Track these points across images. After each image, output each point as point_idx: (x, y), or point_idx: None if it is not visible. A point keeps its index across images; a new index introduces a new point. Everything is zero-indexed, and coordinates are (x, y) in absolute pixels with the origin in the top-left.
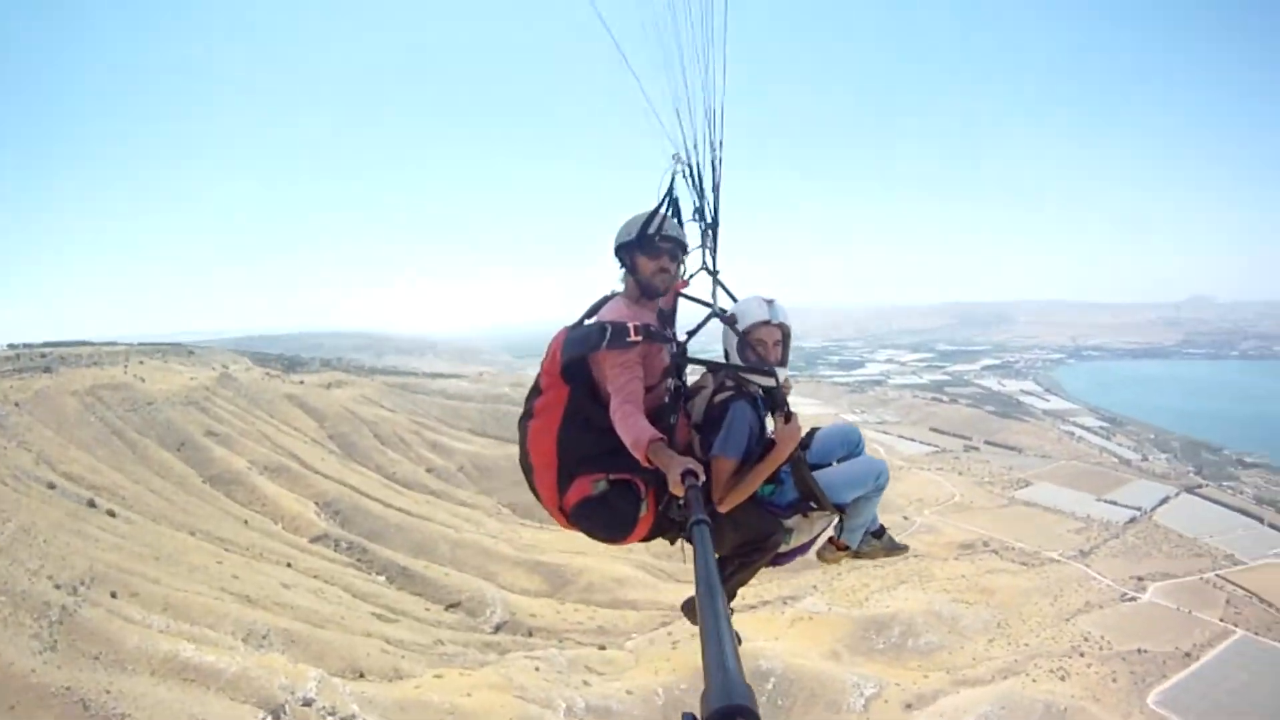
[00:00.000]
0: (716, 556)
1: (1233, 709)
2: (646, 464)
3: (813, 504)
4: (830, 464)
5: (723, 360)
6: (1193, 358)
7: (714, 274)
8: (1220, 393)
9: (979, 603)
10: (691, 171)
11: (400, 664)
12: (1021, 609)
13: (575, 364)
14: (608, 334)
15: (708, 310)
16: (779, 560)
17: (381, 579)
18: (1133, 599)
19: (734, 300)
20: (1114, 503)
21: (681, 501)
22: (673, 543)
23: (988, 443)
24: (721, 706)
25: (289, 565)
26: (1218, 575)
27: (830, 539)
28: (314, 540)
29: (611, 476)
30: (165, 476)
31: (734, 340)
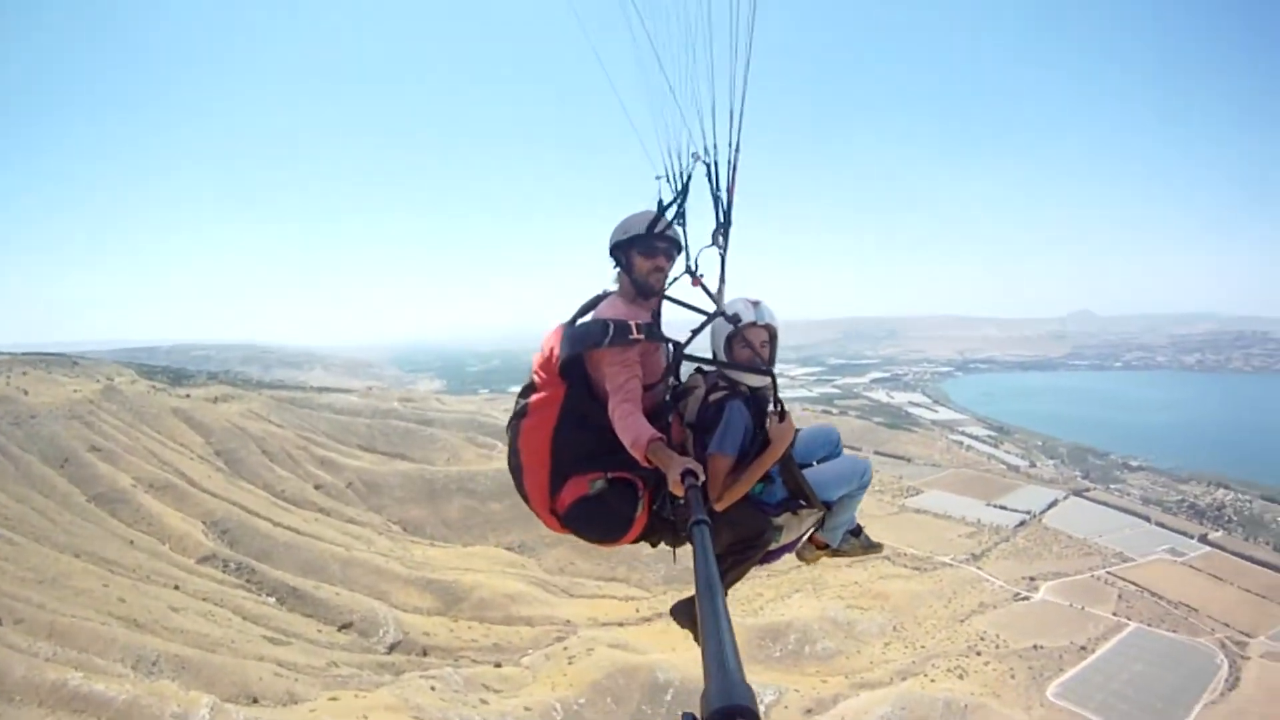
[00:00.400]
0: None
1: (1132, 698)
2: (645, 463)
3: (802, 502)
4: (811, 464)
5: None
6: (1078, 369)
7: (696, 275)
8: (1105, 401)
9: (873, 608)
10: (711, 170)
11: (294, 688)
12: (916, 612)
13: (574, 361)
14: (610, 330)
15: (701, 311)
16: (767, 558)
17: (272, 600)
18: (1026, 598)
19: (714, 303)
20: (1004, 507)
21: (680, 501)
22: (655, 545)
23: (878, 453)
24: (721, 706)
25: (177, 587)
26: (1108, 572)
27: (810, 538)
28: (202, 561)
29: (610, 475)
30: (48, 495)
31: (723, 341)
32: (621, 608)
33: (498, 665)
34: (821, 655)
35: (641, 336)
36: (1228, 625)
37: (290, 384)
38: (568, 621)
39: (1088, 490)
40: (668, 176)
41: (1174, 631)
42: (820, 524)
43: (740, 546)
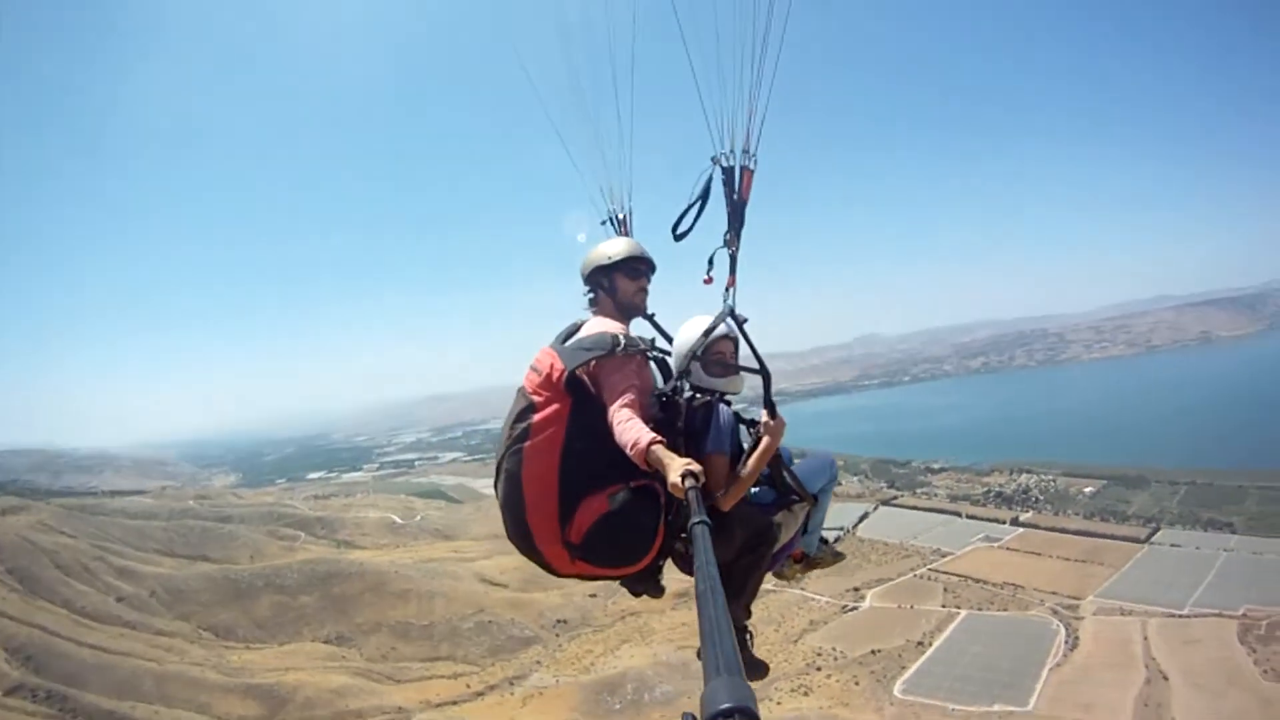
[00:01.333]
0: (726, 560)
1: (977, 677)
2: (645, 467)
3: (794, 496)
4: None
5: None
6: (868, 388)
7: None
8: (898, 414)
9: None
10: (730, 176)
11: None
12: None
13: (581, 371)
14: (622, 341)
15: (669, 337)
16: (772, 563)
17: None
18: (854, 608)
19: (666, 336)
20: None
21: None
22: (656, 594)
23: None
24: (722, 707)
25: None
26: (929, 569)
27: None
28: (9, 693)
29: (633, 484)
30: None
31: (688, 357)
32: (452, 686)
33: None
34: (663, 700)
35: (646, 348)
36: (1055, 593)
37: (80, 490)
38: (400, 709)
39: (896, 498)
40: (611, 221)
41: (1004, 610)
42: (804, 526)
43: (754, 543)
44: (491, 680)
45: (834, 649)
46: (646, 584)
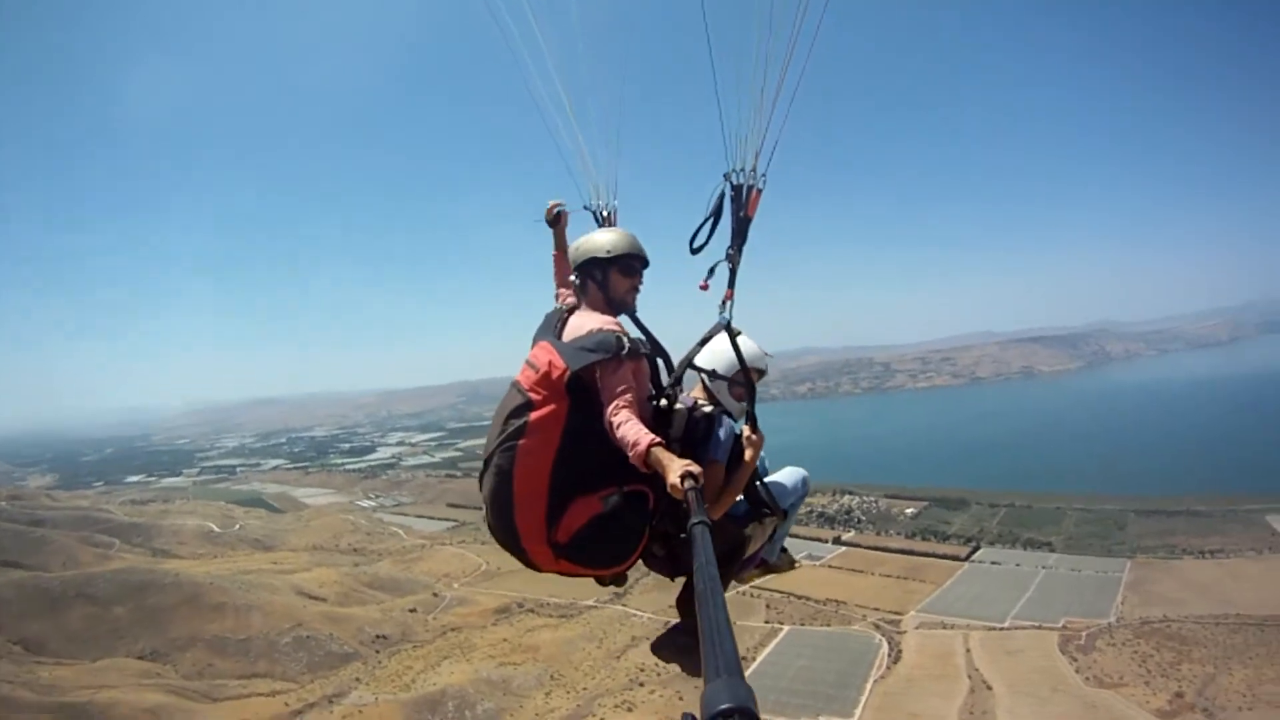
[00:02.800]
0: (689, 575)
1: (802, 690)
2: (644, 468)
3: (765, 510)
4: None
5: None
6: None
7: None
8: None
9: (526, 661)
10: (739, 193)
11: None
12: (571, 658)
13: (583, 372)
14: (626, 344)
15: (654, 338)
16: (739, 570)
17: None
18: (676, 624)
19: (650, 338)
20: None
21: (682, 504)
22: (619, 583)
23: None
24: (722, 707)
25: None
26: (752, 587)
27: None
28: None
29: (626, 488)
30: None
31: (729, 369)
32: (269, 704)
33: None
34: (484, 717)
35: (647, 352)
36: (877, 609)
37: None
38: None
39: None
40: (595, 215)
41: (827, 625)
42: (770, 537)
43: (727, 554)
44: (310, 698)
45: (657, 664)
46: (615, 577)
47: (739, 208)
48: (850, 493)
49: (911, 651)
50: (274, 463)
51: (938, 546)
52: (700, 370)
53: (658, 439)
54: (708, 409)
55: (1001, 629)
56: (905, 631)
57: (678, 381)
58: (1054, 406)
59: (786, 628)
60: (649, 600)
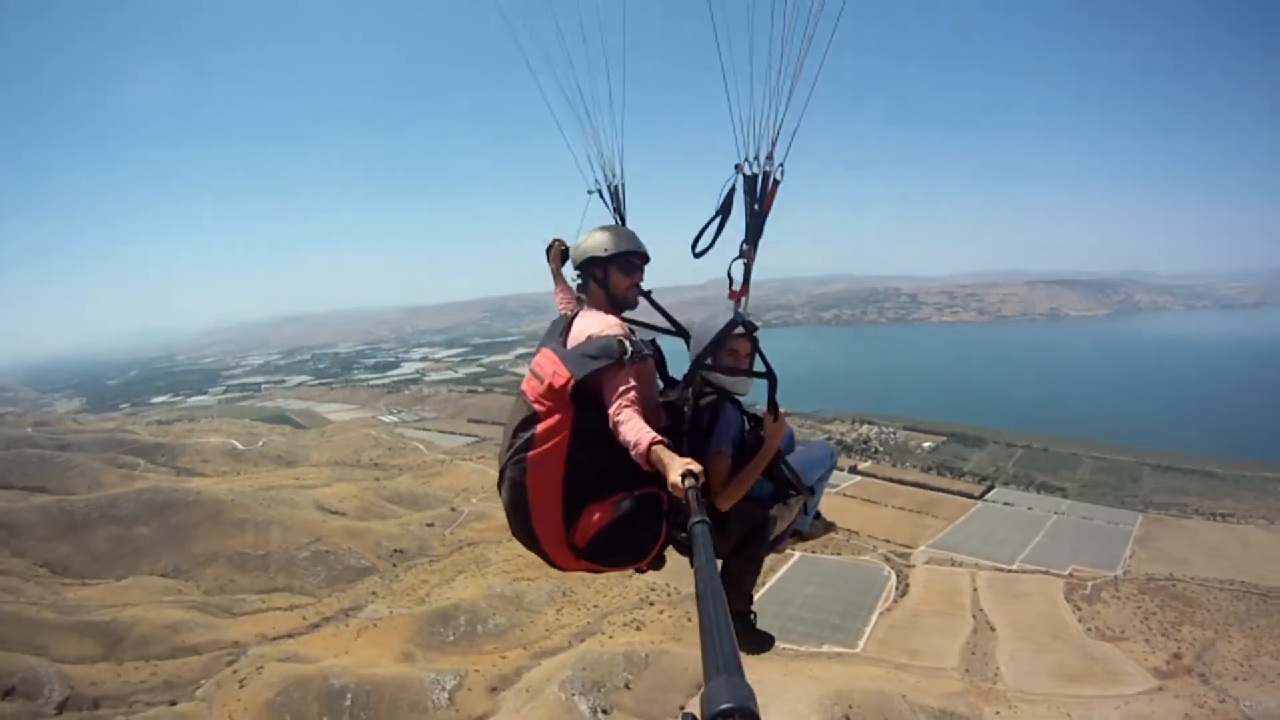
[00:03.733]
0: (723, 555)
1: (809, 618)
2: (646, 467)
3: (790, 490)
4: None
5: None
6: None
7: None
8: None
9: (540, 577)
10: (753, 185)
11: None
12: (583, 574)
13: (587, 380)
14: (630, 349)
15: (657, 329)
16: (769, 547)
17: None
18: None
19: (670, 320)
20: None
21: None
22: (658, 567)
23: None
24: (722, 707)
25: None
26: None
27: None
28: None
29: (637, 493)
30: None
31: (701, 356)
32: (287, 618)
33: (173, 704)
34: (495, 632)
35: (651, 355)
36: (889, 541)
37: None
38: (236, 643)
39: None
40: (600, 193)
41: (838, 555)
42: (801, 508)
43: (750, 538)
44: (327, 612)
45: (668, 585)
46: (651, 564)
47: (753, 200)
48: (869, 422)
49: (919, 586)
50: (298, 379)
51: (953, 483)
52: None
53: (659, 437)
54: (712, 397)
55: (1009, 570)
56: (914, 565)
57: (689, 383)
58: (1078, 351)
59: (797, 554)
60: None
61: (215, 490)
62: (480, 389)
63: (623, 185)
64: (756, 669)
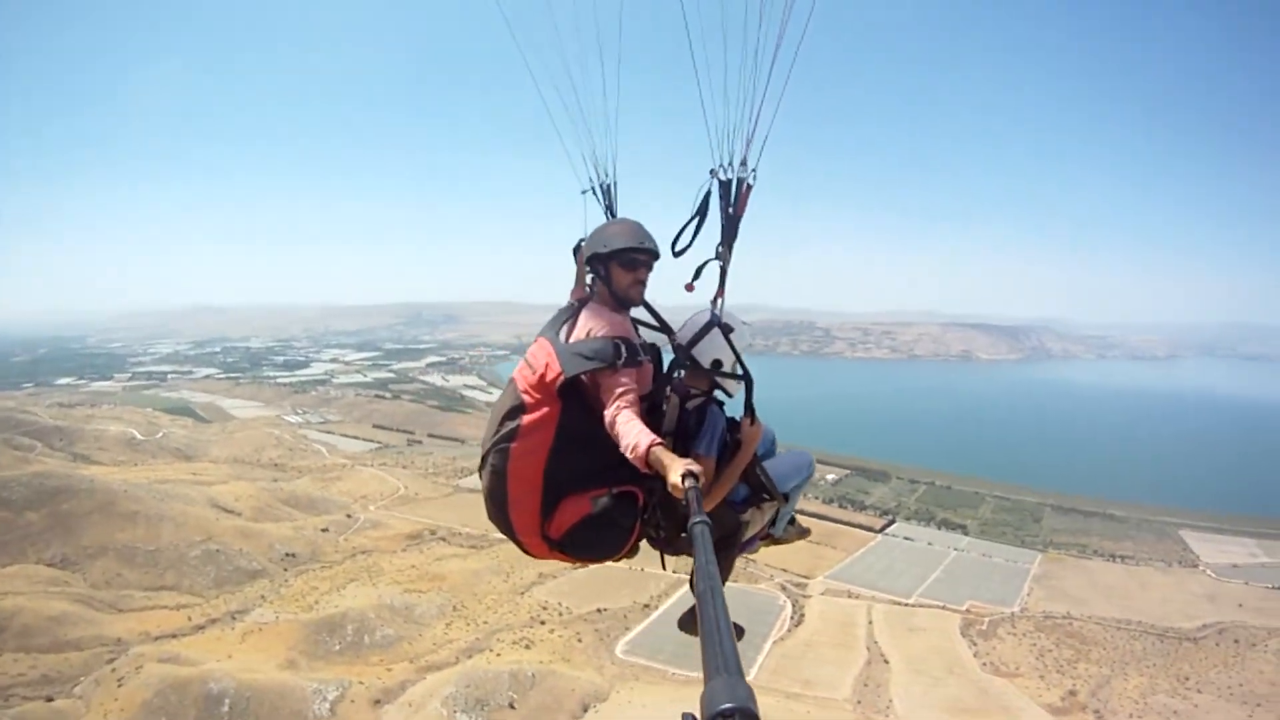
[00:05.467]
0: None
1: (699, 644)
2: (645, 468)
3: (765, 496)
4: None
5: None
6: None
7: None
8: None
9: (431, 590)
10: (727, 190)
11: None
12: (475, 589)
13: (577, 378)
14: (624, 352)
15: (654, 328)
16: (740, 550)
17: None
18: (584, 565)
19: (658, 319)
20: None
21: (681, 505)
22: (631, 555)
23: (431, 435)
24: (722, 707)
25: None
26: None
27: None
28: None
29: (615, 490)
30: None
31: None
32: (173, 618)
33: (49, 699)
34: (382, 643)
35: (646, 359)
36: (785, 570)
37: None
38: (119, 640)
39: None
40: (593, 190)
41: (734, 581)
42: (772, 519)
43: (722, 544)
44: (214, 613)
45: (560, 604)
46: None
47: (727, 204)
48: None
49: (814, 616)
50: (206, 371)
51: (854, 515)
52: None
53: (658, 439)
54: (700, 399)
55: (906, 605)
56: (811, 596)
57: (670, 380)
58: (987, 393)
59: None
60: None
61: (110, 480)
62: (388, 395)
63: (614, 183)
64: (646, 694)
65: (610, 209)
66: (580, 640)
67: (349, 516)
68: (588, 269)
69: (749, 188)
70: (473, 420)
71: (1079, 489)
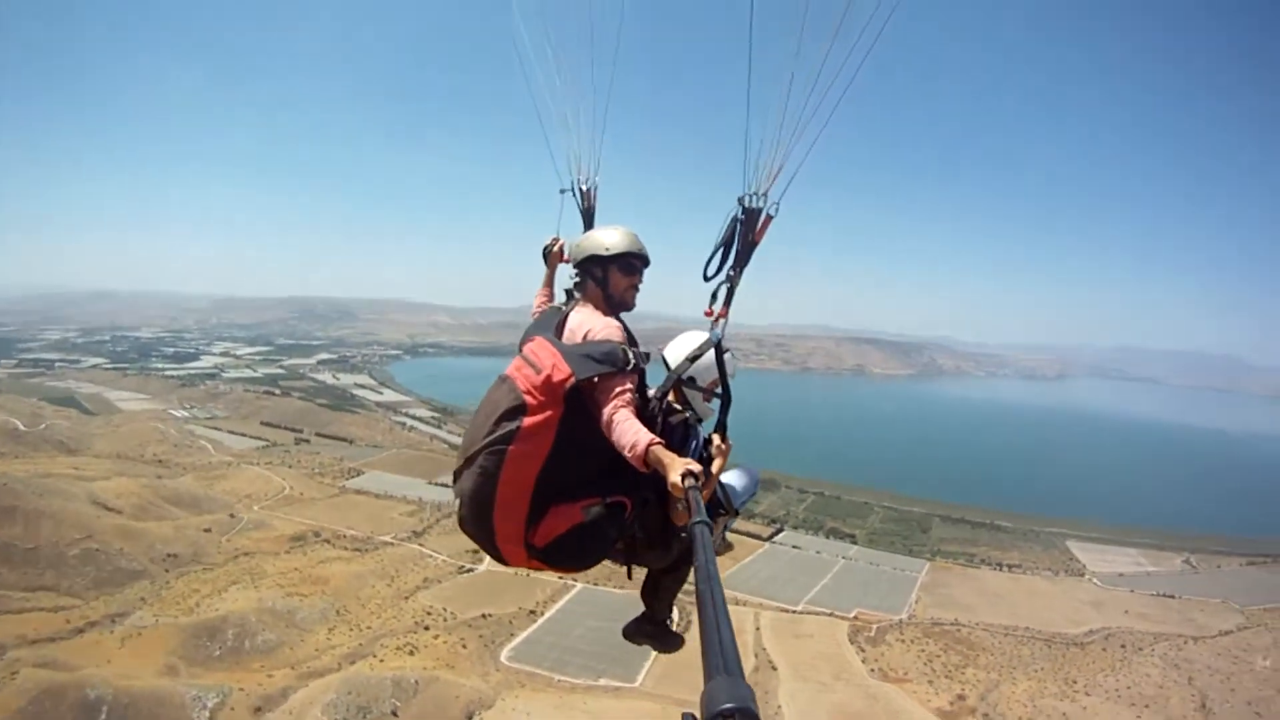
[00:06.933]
0: (660, 569)
1: (586, 651)
2: (643, 467)
3: (721, 510)
4: None
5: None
6: None
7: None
8: None
9: (314, 594)
10: (751, 218)
11: None
12: (359, 594)
13: (582, 382)
14: (632, 359)
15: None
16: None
17: None
18: (470, 570)
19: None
20: (445, 485)
21: (681, 503)
22: (585, 568)
23: (319, 435)
24: (723, 707)
25: None
26: None
27: None
28: None
29: (609, 500)
30: None
31: (685, 379)
32: (51, 620)
33: None
34: (264, 648)
35: (645, 366)
36: None
37: None
38: None
39: None
40: (573, 190)
41: (621, 588)
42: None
43: (684, 559)
44: (93, 616)
45: (445, 609)
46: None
47: (748, 231)
48: None
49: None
50: (94, 361)
51: (741, 524)
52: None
53: (656, 439)
54: (683, 415)
55: (794, 612)
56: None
57: (664, 395)
58: (879, 407)
59: (579, 585)
60: (446, 542)
61: None
62: (277, 391)
63: (595, 187)
64: (531, 701)
65: (589, 211)
66: (465, 646)
67: (232, 516)
68: (575, 271)
69: (769, 218)
70: (361, 420)
71: (967, 500)
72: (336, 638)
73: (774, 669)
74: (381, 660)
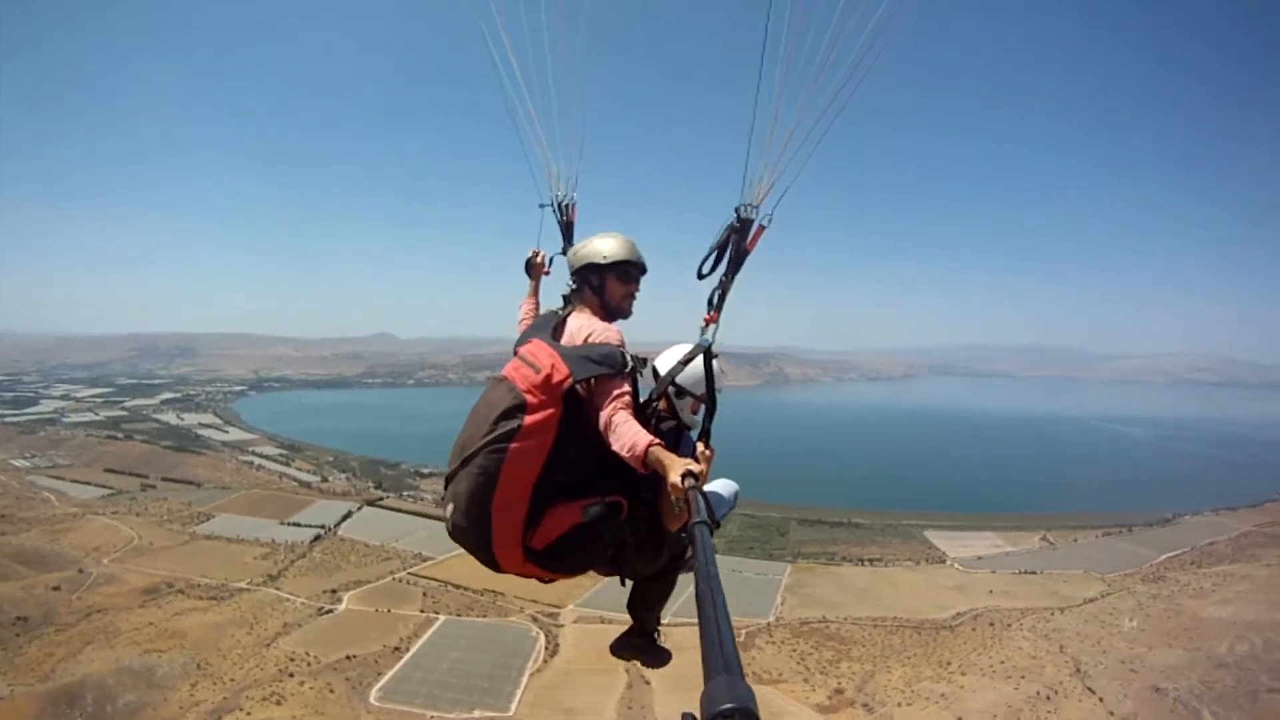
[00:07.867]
0: (649, 575)
1: (455, 683)
2: (641, 467)
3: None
4: None
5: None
6: (371, 387)
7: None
8: (396, 416)
9: (173, 648)
10: (745, 226)
11: None
12: (219, 645)
13: (582, 383)
14: (630, 363)
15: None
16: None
17: None
18: (330, 611)
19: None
20: (298, 524)
21: (679, 504)
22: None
23: (165, 479)
24: (723, 707)
25: None
26: (409, 573)
27: None
28: None
29: (608, 499)
30: None
31: (675, 389)
32: None
33: None
34: (125, 711)
35: (641, 372)
36: (535, 601)
37: None
38: None
39: (381, 499)
40: (553, 206)
41: (484, 617)
42: None
43: (673, 564)
44: None
45: (308, 654)
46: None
47: (741, 240)
48: None
49: (569, 645)
50: None
51: None
52: (670, 384)
53: (655, 439)
54: (673, 422)
55: (660, 625)
56: (564, 625)
57: (655, 402)
58: (727, 418)
59: (442, 617)
60: (303, 584)
61: None
62: (120, 435)
63: (574, 203)
64: None
65: (569, 225)
66: (332, 691)
67: (81, 571)
68: (572, 280)
69: (762, 228)
70: (209, 461)
71: (822, 502)
72: (200, 693)
73: (647, 683)
74: (249, 713)
